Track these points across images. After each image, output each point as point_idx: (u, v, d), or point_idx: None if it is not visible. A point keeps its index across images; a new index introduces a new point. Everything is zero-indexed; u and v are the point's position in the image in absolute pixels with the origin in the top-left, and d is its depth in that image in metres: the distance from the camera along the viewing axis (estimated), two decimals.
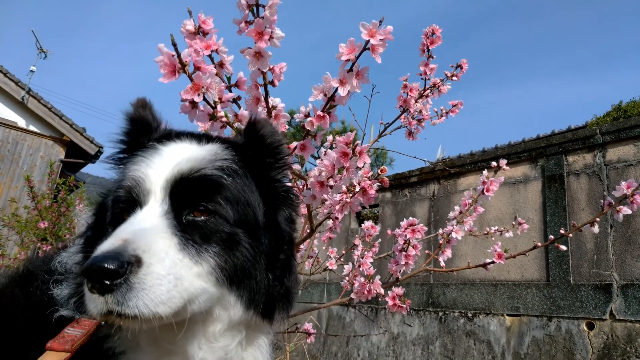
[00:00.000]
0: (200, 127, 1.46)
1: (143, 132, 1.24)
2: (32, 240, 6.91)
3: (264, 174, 1.24)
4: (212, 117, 1.34)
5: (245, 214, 1.14)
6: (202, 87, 1.24)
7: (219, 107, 1.34)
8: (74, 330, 1.04)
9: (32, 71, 15.86)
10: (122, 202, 1.10)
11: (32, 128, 15.43)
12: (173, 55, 1.19)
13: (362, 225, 2.92)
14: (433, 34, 2.86)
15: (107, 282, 0.89)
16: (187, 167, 1.10)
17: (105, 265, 0.88)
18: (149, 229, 1.00)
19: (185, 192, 1.08)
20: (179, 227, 1.04)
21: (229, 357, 1.15)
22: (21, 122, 15.22)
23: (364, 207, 1.88)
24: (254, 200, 1.17)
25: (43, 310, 1.12)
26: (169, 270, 0.96)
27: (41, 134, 15.56)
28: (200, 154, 1.15)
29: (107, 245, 0.93)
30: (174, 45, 1.18)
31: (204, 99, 1.28)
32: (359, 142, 1.46)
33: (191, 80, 1.25)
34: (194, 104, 1.28)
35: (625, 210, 2.23)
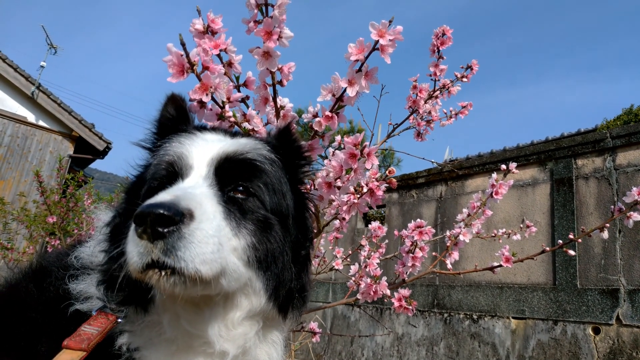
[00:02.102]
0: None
1: (180, 121, 1.29)
2: (41, 235, 6.97)
3: (293, 173, 1.32)
4: (220, 117, 1.34)
5: (280, 203, 1.20)
6: (211, 87, 1.24)
7: (227, 106, 1.34)
8: (91, 328, 1.05)
9: (42, 67, 16.00)
10: (163, 176, 1.14)
11: (41, 123, 15.57)
12: (182, 55, 1.19)
13: (369, 225, 2.91)
14: (444, 34, 2.83)
15: (160, 229, 0.90)
16: (232, 149, 1.17)
17: (161, 211, 0.90)
18: (198, 192, 1.03)
19: (229, 171, 1.14)
20: (222, 199, 1.08)
21: (248, 347, 1.16)
22: (31, 117, 15.37)
23: (371, 208, 1.88)
24: (287, 192, 1.24)
25: (57, 305, 1.14)
26: (215, 232, 0.98)
27: (50, 130, 15.70)
28: (242, 141, 1.22)
29: (159, 197, 0.95)
30: (183, 44, 1.18)
31: (212, 98, 1.28)
32: (367, 143, 1.45)
33: (199, 80, 1.24)
34: (202, 104, 1.28)
35: (636, 216, 2.20)
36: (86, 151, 16.52)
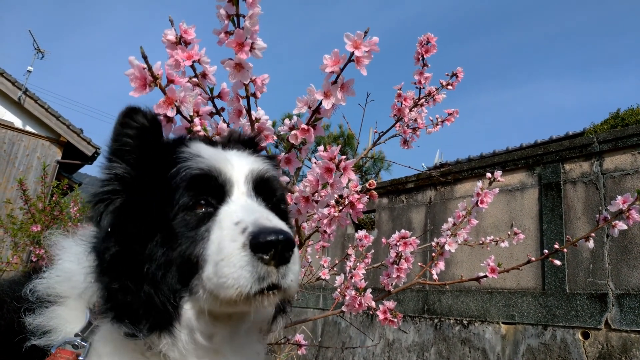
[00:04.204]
0: None
1: (157, 133, 1.21)
2: (26, 244, 6.83)
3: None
4: (189, 132, 1.29)
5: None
6: (176, 101, 1.19)
7: (196, 120, 1.29)
8: None
9: (29, 71, 15.82)
10: (204, 191, 1.11)
11: (28, 129, 15.35)
12: (144, 68, 1.14)
13: (356, 234, 2.87)
14: (428, 42, 2.81)
15: (287, 254, 1.00)
16: (260, 166, 1.22)
17: (289, 238, 0.99)
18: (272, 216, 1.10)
19: (265, 189, 1.21)
20: None
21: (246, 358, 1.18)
22: (18, 122, 15.15)
23: (358, 221, 1.83)
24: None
25: (10, 340, 1.06)
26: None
27: (38, 135, 15.48)
28: (260, 158, 1.28)
29: (269, 223, 1.03)
30: (144, 57, 1.12)
31: (179, 112, 1.23)
32: (344, 157, 1.41)
33: (164, 93, 1.19)
34: (169, 118, 1.23)
35: (621, 225, 2.18)
36: (75, 156, 16.32)
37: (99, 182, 1.17)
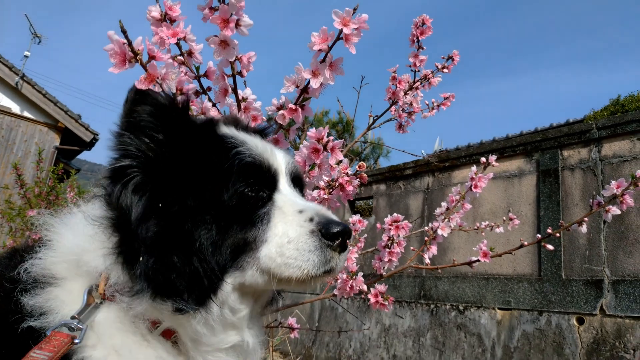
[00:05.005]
0: None
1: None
2: (22, 229, 6.83)
3: None
4: None
5: None
6: (158, 78, 1.16)
7: (179, 98, 1.26)
8: (41, 354, 0.96)
9: (26, 56, 15.66)
10: (258, 181, 1.20)
11: (26, 114, 15.27)
12: (124, 44, 1.11)
13: (350, 219, 2.86)
14: (423, 24, 2.76)
15: (347, 244, 1.17)
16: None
17: (351, 231, 1.19)
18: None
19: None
20: None
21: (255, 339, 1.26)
22: (15, 108, 15.06)
23: (354, 199, 1.82)
24: None
25: (5, 321, 1.05)
26: None
27: (36, 121, 15.40)
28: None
29: (331, 215, 1.21)
30: (124, 32, 1.09)
31: (162, 90, 1.20)
32: (331, 137, 1.39)
33: (145, 70, 1.16)
34: None
35: (615, 210, 2.17)
36: (73, 142, 16.26)
37: (110, 159, 1.15)
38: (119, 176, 1.12)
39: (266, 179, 1.22)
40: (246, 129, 1.37)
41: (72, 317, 1.04)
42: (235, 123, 1.37)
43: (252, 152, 1.20)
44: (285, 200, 1.22)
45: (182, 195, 1.11)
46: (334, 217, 1.19)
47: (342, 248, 1.16)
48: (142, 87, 1.13)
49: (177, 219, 1.09)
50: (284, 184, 1.27)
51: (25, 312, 1.05)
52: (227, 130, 1.27)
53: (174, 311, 1.06)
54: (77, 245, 1.17)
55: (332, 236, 1.14)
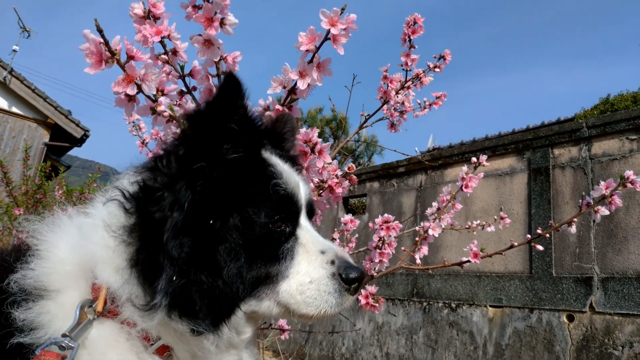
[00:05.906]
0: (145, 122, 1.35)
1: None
2: (8, 227, 6.73)
3: None
4: (153, 112, 1.22)
5: None
6: (137, 78, 1.12)
7: (161, 99, 1.22)
8: None
9: (14, 51, 15.44)
10: (284, 211, 1.21)
11: (14, 110, 15.05)
12: (100, 43, 1.07)
13: (342, 219, 2.84)
14: (415, 23, 2.74)
15: (360, 287, 1.25)
16: (309, 191, 1.37)
17: (366, 274, 1.31)
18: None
19: (311, 211, 1.37)
20: None
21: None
22: (3, 103, 14.85)
23: (347, 197, 1.80)
24: None
25: None
26: None
27: (24, 116, 15.19)
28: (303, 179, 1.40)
29: (349, 258, 1.27)
30: (100, 31, 1.05)
31: (141, 91, 1.16)
32: (319, 140, 1.36)
33: (124, 70, 1.13)
34: (130, 97, 1.16)
35: (604, 210, 2.16)
36: (63, 139, 16.06)
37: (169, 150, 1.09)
38: (191, 178, 1.07)
39: (292, 213, 1.26)
40: (282, 149, 1.39)
41: (63, 335, 0.98)
42: (279, 138, 1.37)
43: (287, 187, 1.22)
44: (307, 238, 1.26)
45: (223, 216, 1.09)
46: (352, 262, 1.25)
47: (356, 291, 1.23)
48: (119, 89, 1.09)
49: (213, 240, 1.07)
50: (303, 217, 1.31)
51: (15, 326, 1.00)
52: (268, 155, 1.27)
53: (189, 331, 1.04)
54: (75, 255, 1.11)
55: (351, 281, 1.20)
